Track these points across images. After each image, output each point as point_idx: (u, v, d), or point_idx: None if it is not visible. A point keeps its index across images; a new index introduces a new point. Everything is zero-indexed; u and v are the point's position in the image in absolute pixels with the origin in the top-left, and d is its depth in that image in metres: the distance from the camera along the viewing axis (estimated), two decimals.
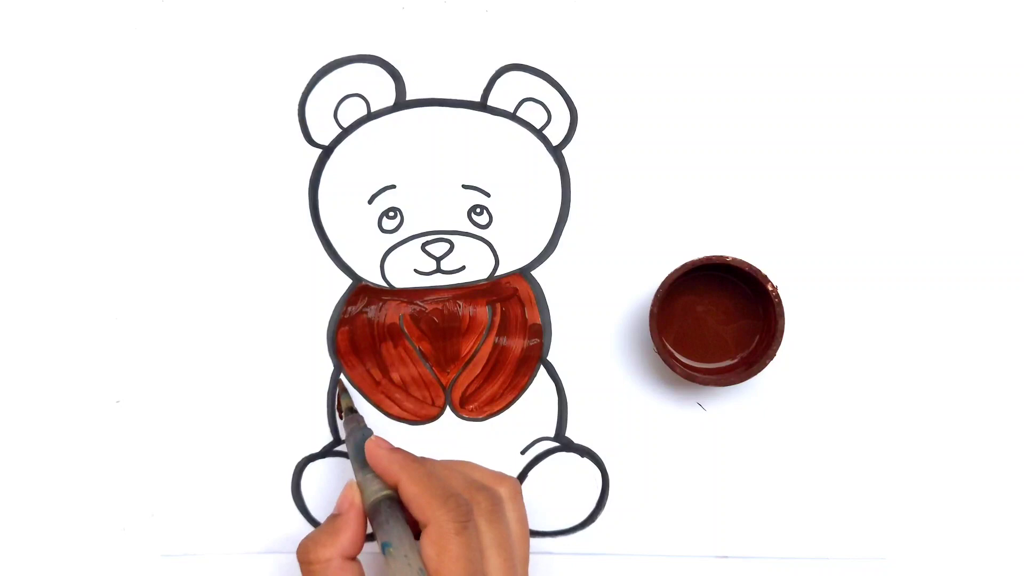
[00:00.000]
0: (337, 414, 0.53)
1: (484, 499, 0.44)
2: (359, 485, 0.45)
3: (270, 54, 0.55)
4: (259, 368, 0.54)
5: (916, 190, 0.55)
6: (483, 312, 0.54)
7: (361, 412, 0.54)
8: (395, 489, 0.44)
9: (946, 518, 0.54)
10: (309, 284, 0.55)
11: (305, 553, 0.44)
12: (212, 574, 0.54)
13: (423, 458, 0.47)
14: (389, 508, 0.44)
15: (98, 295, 0.55)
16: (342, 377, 0.54)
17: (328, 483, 0.54)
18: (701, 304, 0.53)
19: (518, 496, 0.47)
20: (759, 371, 0.51)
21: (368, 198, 0.55)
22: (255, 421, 0.54)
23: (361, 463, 0.46)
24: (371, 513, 0.44)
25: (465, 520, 0.42)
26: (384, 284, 0.55)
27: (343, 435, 0.51)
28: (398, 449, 0.46)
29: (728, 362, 0.53)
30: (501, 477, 0.47)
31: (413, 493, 0.43)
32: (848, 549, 0.54)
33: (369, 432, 0.48)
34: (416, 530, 0.43)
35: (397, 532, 0.43)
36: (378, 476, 0.45)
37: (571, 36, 0.55)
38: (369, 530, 0.44)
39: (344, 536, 0.44)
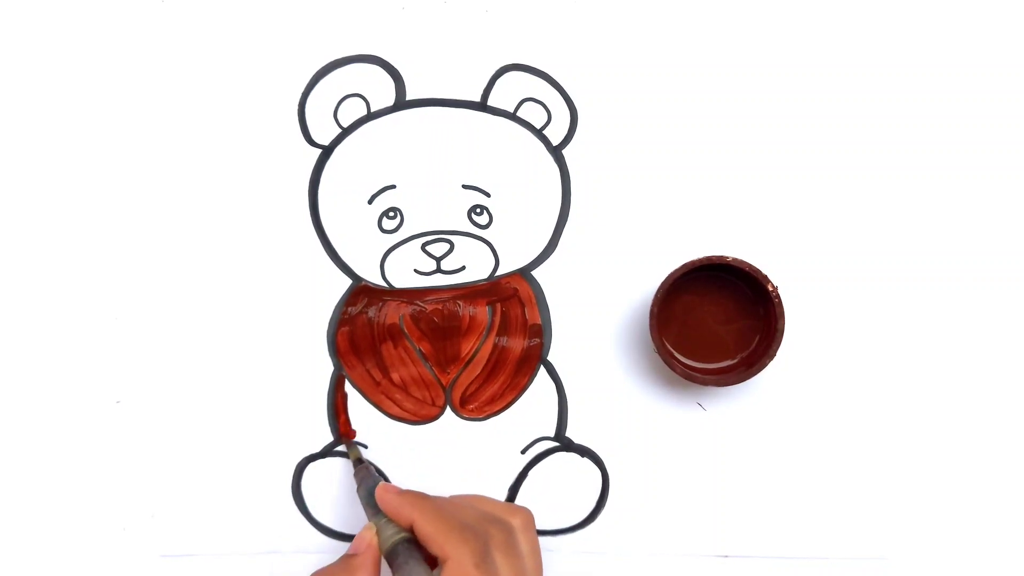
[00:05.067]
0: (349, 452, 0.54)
1: (498, 531, 0.44)
2: (375, 530, 0.46)
3: (270, 54, 0.55)
4: (259, 368, 0.54)
5: (916, 190, 0.55)
6: (483, 312, 0.54)
7: (361, 412, 0.54)
8: (410, 530, 0.45)
9: (946, 518, 0.54)
10: (309, 284, 0.55)
11: None
12: (212, 574, 0.54)
13: (434, 496, 0.47)
14: (407, 550, 0.44)
15: (98, 295, 0.55)
16: (355, 429, 0.54)
17: (328, 483, 0.54)
18: (701, 304, 0.53)
19: (531, 526, 0.47)
20: (759, 371, 0.51)
21: (368, 198, 0.55)
22: (255, 421, 0.54)
23: (374, 509, 0.47)
24: (389, 556, 0.45)
25: (483, 554, 0.42)
26: (384, 284, 0.55)
27: (355, 485, 0.51)
28: (408, 491, 0.47)
29: (728, 362, 0.53)
30: (513, 508, 0.47)
31: (428, 531, 0.43)
32: (848, 549, 0.54)
33: (378, 479, 0.49)
34: (433, 567, 0.43)
35: (417, 573, 0.43)
36: (392, 520, 0.46)
37: (571, 36, 0.55)
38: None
39: None
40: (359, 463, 0.51)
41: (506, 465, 0.54)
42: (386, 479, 0.54)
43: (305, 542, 0.54)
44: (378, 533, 0.46)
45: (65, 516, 0.54)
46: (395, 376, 0.54)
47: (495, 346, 0.54)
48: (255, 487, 0.54)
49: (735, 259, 0.51)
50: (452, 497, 0.48)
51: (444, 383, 0.54)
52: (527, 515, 0.47)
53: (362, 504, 0.49)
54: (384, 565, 0.45)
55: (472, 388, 0.54)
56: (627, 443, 0.54)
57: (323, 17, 0.55)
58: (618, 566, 0.54)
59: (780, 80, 0.55)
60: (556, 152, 0.55)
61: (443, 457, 0.54)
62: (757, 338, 0.53)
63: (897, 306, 0.54)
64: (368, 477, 0.50)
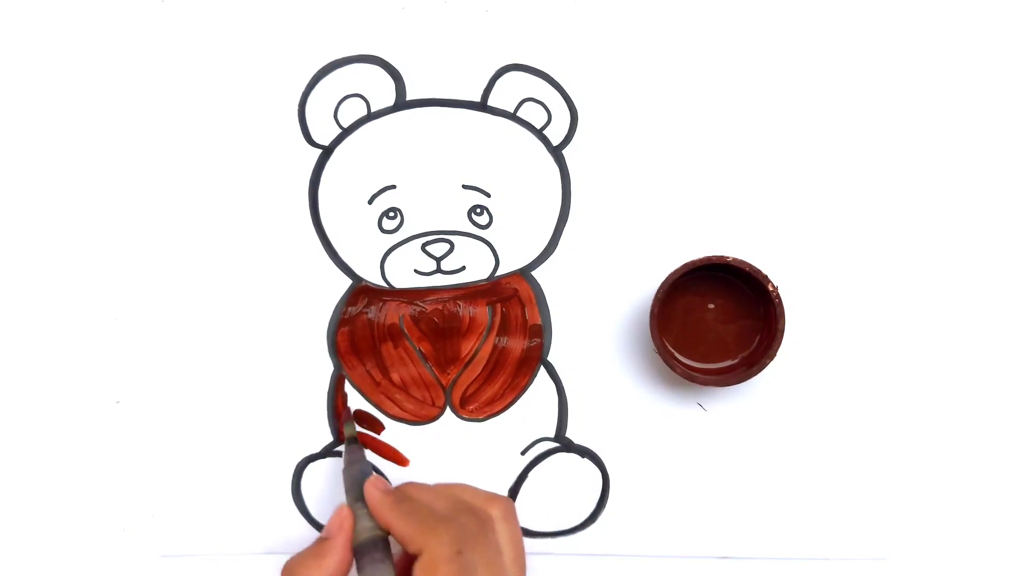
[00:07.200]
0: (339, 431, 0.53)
1: (472, 521, 0.44)
2: (353, 515, 0.46)
3: (270, 54, 0.55)
4: (259, 368, 0.54)
5: (917, 190, 0.55)
6: (483, 312, 0.54)
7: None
8: (387, 531, 0.44)
9: (946, 518, 0.54)
10: (309, 284, 0.55)
11: (290, 573, 0.44)
12: (212, 574, 0.54)
13: (414, 487, 0.47)
14: (375, 549, 0.44)
15: (98, 295, 0.55)
16: (349, 405, 0.53)
17: (328, 483, 0.54)
18: (701, 304, 0.53)
19: (511, 516, 0.46)
20: (759, 371, 0.51)
21: (368, 198, 0.55)
22: (255, 421, 0.54)
23: (356, 495, 0.46)
24: (357, 551, 0.45)
25: (456, 545, 0.42)
26: (384, 284, 0.55)
27: (343, 463, 0.51)
28: (392, 490, 0.46)
29: (728, 362, 0.53)
30: (493, 498, 0.47)
31: (404, 532, 0.43)
32: (849, 550, 0.54)
33: (368, 469, 0.48)
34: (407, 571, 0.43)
35: (380, 573, 0.43)
36: (372, 515, 0.45)
37: (571, 36, 0.55)
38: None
39: (331, 559, 0.44)
40: (353, 442, 0.50)
41: (506, 466, 0.54)
42: (376, 470, 0.54)
43: (305, 542, 0.54)
44: (355, 520, 0.45)
45: (65, 516, 0.54)
46: (395, 376, 0.54)
47: (495, 346, 0.54)
48: (255, 487, 0.54)
49: (735, 259, 0.51)
50: (436, 485, 0.48)
51: (444, 383, 0.54)
52: (507, 504, 0.46)
53: (344, 484, 0.48)
54: None
55: (472, 389, 0.54)
56: (627, 444, 0.54)
57: (323, 17, 0.55)
58: (618, 567, 0.54)
59: (780, 80, 0.55)
60: (556, 152, 0.55)
61: (443, 458, 0.54)
62: (757, 338, 0.53)
63: (897, 306, 0.54)
64: (358, 461, 0.48)
